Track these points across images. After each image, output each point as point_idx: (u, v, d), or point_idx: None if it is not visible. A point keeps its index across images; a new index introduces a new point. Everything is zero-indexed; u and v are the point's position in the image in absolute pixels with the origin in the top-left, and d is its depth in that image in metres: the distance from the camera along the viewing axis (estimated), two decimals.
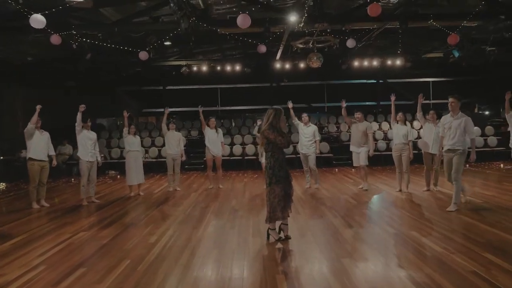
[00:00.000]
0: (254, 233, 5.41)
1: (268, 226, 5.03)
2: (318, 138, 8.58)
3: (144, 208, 7.43)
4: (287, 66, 12.62)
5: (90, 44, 8.69)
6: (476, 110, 15.74)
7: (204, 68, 12.84)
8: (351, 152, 8.57)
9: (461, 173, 6.18)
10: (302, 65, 12.56)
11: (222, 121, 15.88)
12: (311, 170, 8.77)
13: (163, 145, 13.32)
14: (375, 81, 17.20)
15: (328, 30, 8.35)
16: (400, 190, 8.15)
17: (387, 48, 12.94)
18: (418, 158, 9.36)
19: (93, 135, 8.01)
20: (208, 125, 9.07)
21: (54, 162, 7.95)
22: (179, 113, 16.58)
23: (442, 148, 6.46)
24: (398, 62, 12.65)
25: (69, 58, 11.88)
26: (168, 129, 9.08)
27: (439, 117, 7.95)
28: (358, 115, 8.40)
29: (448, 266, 3.93)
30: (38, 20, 6.34)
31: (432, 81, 16.71)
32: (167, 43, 11.45)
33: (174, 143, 9.07)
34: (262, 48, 8.46)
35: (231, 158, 13.53)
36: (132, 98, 17.16)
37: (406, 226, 5.49)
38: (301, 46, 9.82)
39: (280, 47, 10.20)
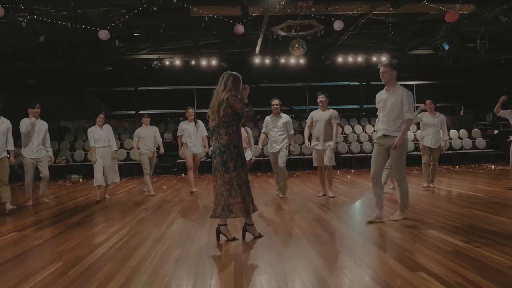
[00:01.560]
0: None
1: (244, 222, 4.01)
2: (292, 131, 6.58)
3: (100, 207, 6.28)
4: (267, 61, 11.77)
5: (44, 24, 7.59)
6: (462, 113, 15.28)
7: (178, 62, 11.83)
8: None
9: (404, 171, 4.50)
10: (283, 60, 11.75)
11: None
12: (279, 170, 6.51)
13: (132, 147, 12.16)
14: (358, 84, 16.59)
15: (313, 9, 7.54)
16: (394, 188, 7.29)
17: (373, 47, 12.33)
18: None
19: (42, 124, 6.74)
20: (186, 117, 7.64)
21: (12, 160, 6.29)
22: (152, 115, 15.42)
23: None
24: (384, 58, 11.99)
25: (27, 54, 10.75)
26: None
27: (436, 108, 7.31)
28: (321, 98, 6.38)
29: (480, 262, 3.02)
30: None
31: (416, 84, 16.22)
32: (137, 33, 10.47)
33: (149, 139, 7.49)
34: (240, 28, 7.55)
35: (207, 160, 12.46)
36: (101, 100, 15.92)
37: (412, 220, 4.58)
38: (282, 33, 9.00)
39: (260, 36, 9.35)
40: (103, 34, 7.27)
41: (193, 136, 7.53)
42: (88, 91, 15.63)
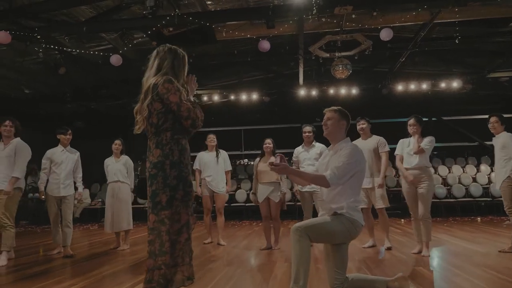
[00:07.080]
0: None
1: None
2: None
3: (85, 256, 5.11)
4: (314, 93, 10.44)
5: (62, 54, 7.17)
6: None
7: (216, 97, 10.98)
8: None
9: None
10: (331, 91, 10.33)
11: (246, 164, 13.85)
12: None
13: None
14: (427, 119, 14.43)
15: (353, 16, 6.12)
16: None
17: (438, 74, 10.51)
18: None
19: (72, 153, 5.47)
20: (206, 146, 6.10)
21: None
22: (193, 158, 14.65)
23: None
24: (455, 84, 9.99)
25: (72, 96, 10.70)
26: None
27: None
28: (362, 124, 5.35)
29: None
30: None
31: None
32: None
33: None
34: (265, 45, 6.32)
35: (247, 204, 11.02)
36: (144, 142, 15.57)
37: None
38: (324, 54, 7.66)
39: (300, 60, 8.13)
40: (115, 59, 6.57)
41: (213, 170, 5.90)
42: (132, 132, 15.40)
